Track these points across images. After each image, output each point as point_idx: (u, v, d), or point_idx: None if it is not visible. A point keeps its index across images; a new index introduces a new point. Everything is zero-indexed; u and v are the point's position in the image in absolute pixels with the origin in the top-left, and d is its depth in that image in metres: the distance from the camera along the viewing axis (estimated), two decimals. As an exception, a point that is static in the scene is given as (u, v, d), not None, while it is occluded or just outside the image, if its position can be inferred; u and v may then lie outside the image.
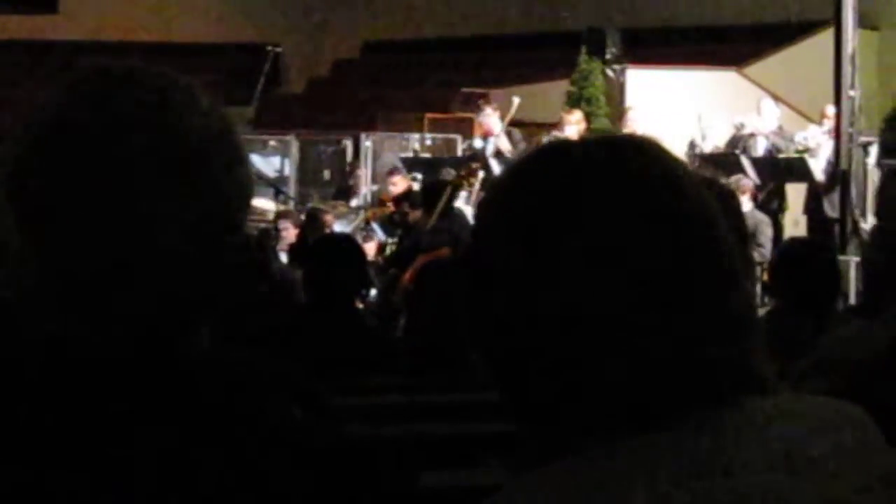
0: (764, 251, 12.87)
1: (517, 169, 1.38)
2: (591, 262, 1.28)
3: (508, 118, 15.99)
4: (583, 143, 1.39)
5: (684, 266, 1.29)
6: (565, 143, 1.40)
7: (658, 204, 1.30)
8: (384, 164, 17.92)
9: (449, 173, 14.38)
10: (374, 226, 14.39)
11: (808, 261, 5.36)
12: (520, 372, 1.32)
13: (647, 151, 1.35)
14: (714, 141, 15.37)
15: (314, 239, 9.88)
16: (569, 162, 1.34)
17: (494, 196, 1.38)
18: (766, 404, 1.31)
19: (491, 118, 15.89)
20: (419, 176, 15.58)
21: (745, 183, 13.48)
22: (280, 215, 13.82)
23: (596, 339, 1.27)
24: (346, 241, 7.19)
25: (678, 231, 1.30)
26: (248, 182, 1.46)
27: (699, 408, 1.28)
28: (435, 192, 12.44)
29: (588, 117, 16.51)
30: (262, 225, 13.68)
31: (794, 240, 7.59)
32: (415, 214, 12.73)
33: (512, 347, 1.32)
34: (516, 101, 16.21)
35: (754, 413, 1.29)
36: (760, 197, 14.42)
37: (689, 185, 1.34)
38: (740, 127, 15.14)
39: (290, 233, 12.81)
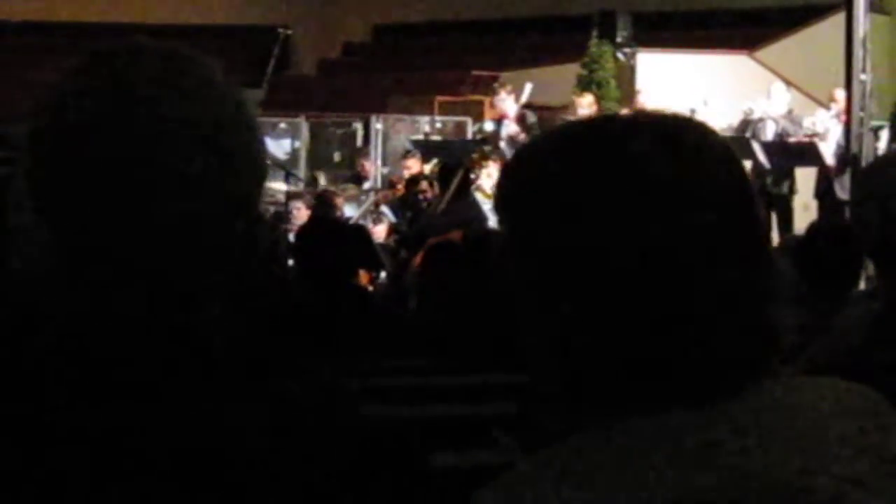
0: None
1: (558, 147, 1.38)
2: (627, 247, 1.28)
3: (520, 104, 15.96)
4: (634, 124, 1.38)
5: (712, 248, 1.30)
6: (612, 123, 1.39)
7: (703, 186, 1.31)
8: (394, 146, 17.91)
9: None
10: (384, 208, 14.38)
11: (838, 244, 5.32)
12: (550, 351, 1.33)
13: (702, 133, 1.36)
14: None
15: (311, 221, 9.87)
16: (617, 143, 1.34)
17: (535, 169, 1.37)
18: (785, 387, 1.32)
19: (506, 101, 15.85)
20: (435, 160, 15.55)
21: None
22: (293, 196, 13.82)
23: (623, 321, 1.28)
24: (337, 223, 7.20)
25: (723, 216, 1.31)
26: (263, 161, 1.47)
27: (718, 388, 1.29)
28: (449, 175, 12.44)
29: (598, 101, 16.48)
30: (272, 207, 13.68)
31: (822, 222, 7.50)
32: (435, 193, 12.77)
33: (545, 325, 1.32)
34: (528, 86, 16.18)
35: (773, 396, 1.30)
36: (769, 180, 14.40)
37: (735, 165, 1.36)
38: (749, 112, 15.09)
39: (301, 213, 12.82)
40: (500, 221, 1.40)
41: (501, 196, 1.39)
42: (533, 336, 1.35)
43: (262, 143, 1.48)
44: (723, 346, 1.29)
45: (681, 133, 1.35)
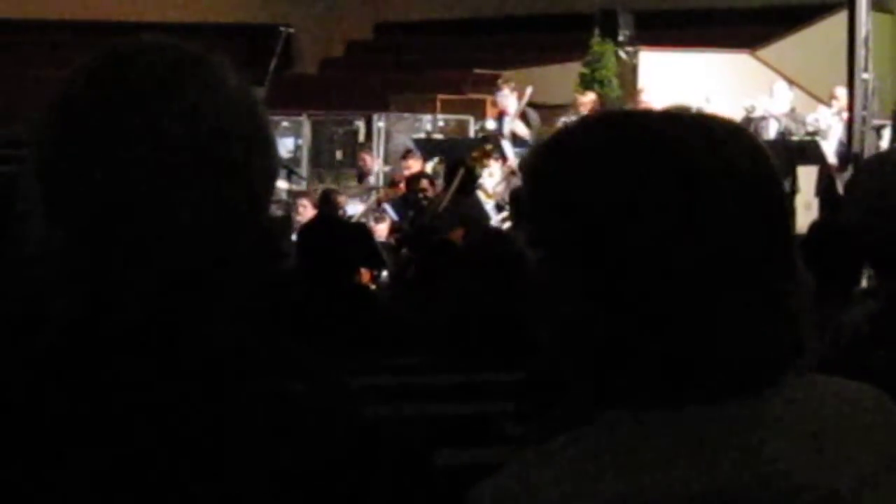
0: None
1: (601, 139, 1.37)
2: (664, 240, 1.28)
3: (521, 105, 15.96)
4: (674, 118, 1.38)
5: (742, 242, 1.30)
6: (652, 115, 1.39)
7: (738, 180, 1.32)
8: (396, 145, 17.90)
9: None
10: (386, 207, 14.38)
11: (839, 242, 5.33)
12: (571, 342, 1.33)
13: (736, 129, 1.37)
14: None
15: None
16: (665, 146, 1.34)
17: (575, 161, 1.37)
18: (798, 386, 1.32)
19: (508, 98, 15.85)
20: (436, 158, 15.55)
21: None
22: (298, 194, 13.85)
23: (651, 315, 1.29)
24: (339, 221, 7.20)
25: (753, 210, 1.32)
26: (274, 161, 1.46)
27: (735, 386, 1.30)
28: (454, 173, 12.46)
29: (601, 99, 16.48)
30: (274, 206, 13.67)
31: (825, 219, 7.57)
32: (436, 191, 12.78)
33: (569, 315, 1.33)
34: (529, 90, 16.18)
35: (787, 395, 1.31)
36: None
37: (767, 163, 1.36)
38: (751, 110, 15.09)
39: (307, 211, 12.85)
40: (531, 204, 1.38)
41: (537, 182, 1.38)
42: (554, 327, 1.35)
43: (274, 143, 1.47)
44: (744, 344, 1.29)
45: (717, 129, 1.36)
